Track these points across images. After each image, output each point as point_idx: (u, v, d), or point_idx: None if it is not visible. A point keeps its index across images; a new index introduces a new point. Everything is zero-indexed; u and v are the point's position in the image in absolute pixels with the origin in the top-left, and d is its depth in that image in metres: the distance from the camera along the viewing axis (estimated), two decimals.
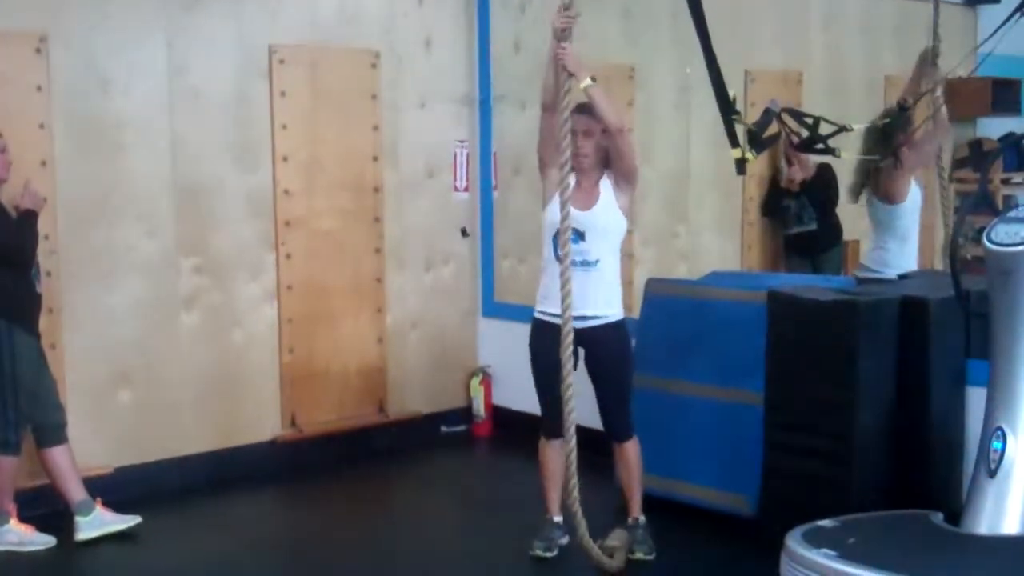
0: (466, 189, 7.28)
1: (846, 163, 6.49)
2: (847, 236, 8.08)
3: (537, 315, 4.91)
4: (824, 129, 5.73)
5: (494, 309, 7.28)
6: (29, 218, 5.27)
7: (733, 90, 5.36)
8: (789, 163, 7.94)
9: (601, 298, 4.79)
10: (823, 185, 7.84)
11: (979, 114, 9.27)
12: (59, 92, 5.69)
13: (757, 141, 5.48)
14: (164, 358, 6.09)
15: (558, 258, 4.64)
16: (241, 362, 6.37)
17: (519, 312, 6.99)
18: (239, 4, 6.25)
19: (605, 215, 4.79)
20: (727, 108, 5.28)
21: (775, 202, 8.13)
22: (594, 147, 4.76)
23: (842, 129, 5.77)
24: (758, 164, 7.63)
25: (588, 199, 4.79)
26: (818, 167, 7.79)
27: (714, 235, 8.26)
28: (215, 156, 6.22)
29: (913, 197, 6.37)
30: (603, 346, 4.82)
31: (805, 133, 5.79)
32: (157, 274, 6.05)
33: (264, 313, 6.44)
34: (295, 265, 6.52)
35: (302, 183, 6.52)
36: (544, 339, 4.78)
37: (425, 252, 7.14)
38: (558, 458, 4.84)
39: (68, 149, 5.73)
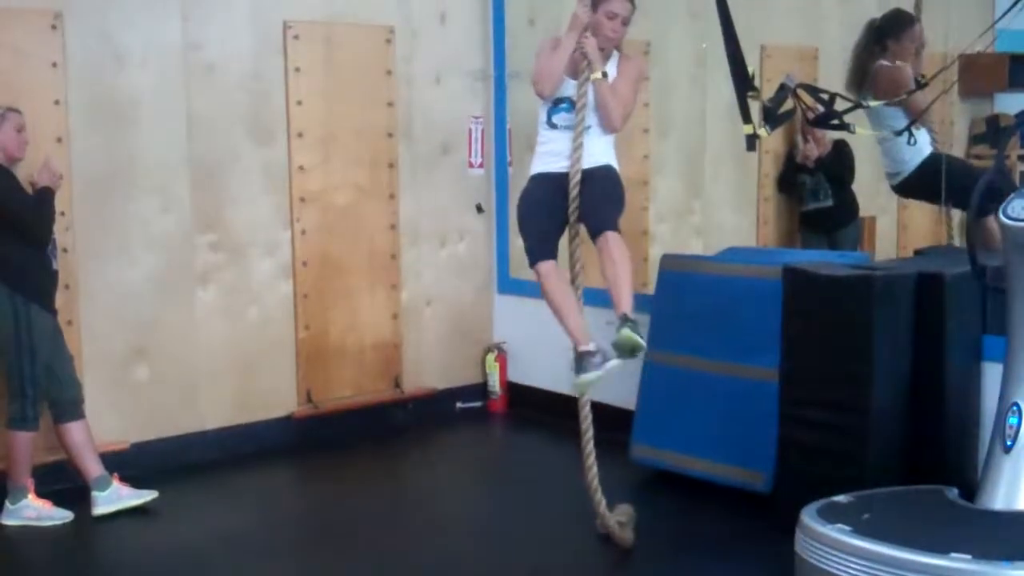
0: (481, 165, 7.27)
1: (862, 139, 6.45)
2: (863, 212, 8.04)
3: (534, 172, 4.94)
4: (840, 105, 5.70)
5: (509, 285, 7.28)
6: (46, 195, 5.29)
7: (752, 66, 5.33)
8: (805, 139, 7.91)
9: (597, 150, 4.81)
10: (839, 161, 7.81)
11: (996, 89, 9.20)
12: (74, 68, 5.69)
13: (772, 117, 5.46)
14: (180, 334, 6.12)
15: (552, 125, 4.81)
16: (257, 338, 6.38)
17: (534, 288, 6.96)
18: None
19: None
20: (743, 84, 5.25)
21: (791, 178, 8.10)
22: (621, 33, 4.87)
23: (858, 105, 5.73)
24: (774, 140, 7.61)
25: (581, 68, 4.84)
26: (834, 143, 7.76)
27: (729, 211, 8.23)
28: (230, 132, 6.22)
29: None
30: (599, 176, 4.81)
31: (821, 109, 5.76)
32: (173, 250, 6.07)
33: (280, 289, 6.46)
34: (310, 241, 6.53)
35: (317, 159, 6.52)
36: (544, 185, 4.86)
37: (440, 228, 7.14)
38: (563, 282, 4.79)
39: (83, 125, 5.74)
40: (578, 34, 4.71)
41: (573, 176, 4.71)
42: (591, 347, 4.60)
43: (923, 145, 6.17)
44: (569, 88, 4.79)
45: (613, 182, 4.86)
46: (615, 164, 4.91)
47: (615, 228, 4.68)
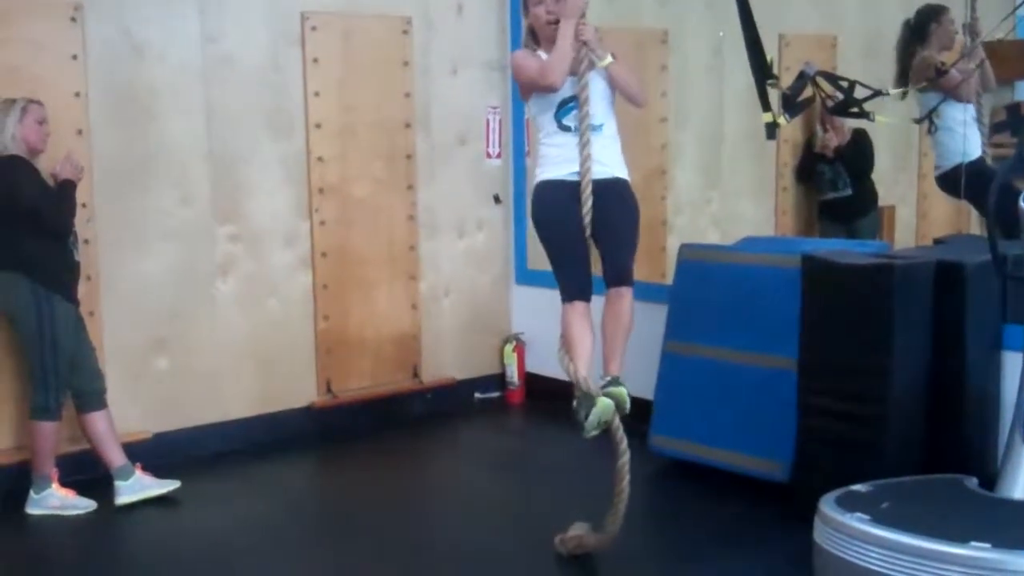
0: (499, 155, 7.27)
1: (881, 128, 6.44)
2: (882, 202, 8.02)
3: (546, 179, 4.61)
4: (859, 93, 5.69)
5: (527, 276, 7.28)
6: (67, 187, 5.32)
7: (770, 55, 5.32)
8: (824, 128, 7.89)
9: (608, 157, 4.58)
10: (858, 150, 7.79)
11: (1017, 77, 9.15)
12: (94, 61, 5.72)
13: (791, 105, 5.45)
14: (201, 325, 6.15)
15: (563, 127, 4.54)
16: (276, 329, 6.41)
17: (552, 279, 7.02)
18: None
19: (597, 75, 4.59)
20: (761, 72, 5.24)
21: (810, 167, 8.08)
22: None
23: (877, 93, 5.72)
24: (792, 129, 7.60)
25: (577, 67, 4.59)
26: (853, 132, 7.73)
27: (748, 201, 8.22)
28: (249, 123, 6.24)
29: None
30: (615, 194, 4.58)
31: (840, 97, 5.75)
32: (193, 242, 6.10)
33: (299, 280, 6.48)
34: (329, 232, 6.55)
35: (335, 150, 6.54)
36: (560, 196, 4.55)
37: (458, 219, 7.15)
38: (586, 324, 4.57)
39: (103, 117, 5.77)
40: (575, 22, 4.45)
41: (585, 188, 4.46)
42: (593, 390, 4.46)
43: (968, 145, 6.17)
44: (571, 86, 4.52)
45: (632, 208, 4.64)
46: (627, 176, 4.68)
47: (632, 283, 4.57)
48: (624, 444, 4.48)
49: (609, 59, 4.52)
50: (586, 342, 4.55)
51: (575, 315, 4.56)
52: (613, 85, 4.59)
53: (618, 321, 4.55)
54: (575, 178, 4.49)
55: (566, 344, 4.58)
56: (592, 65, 4.49)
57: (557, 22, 4.49)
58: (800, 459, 5.04)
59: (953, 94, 6.11)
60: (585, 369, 4.49)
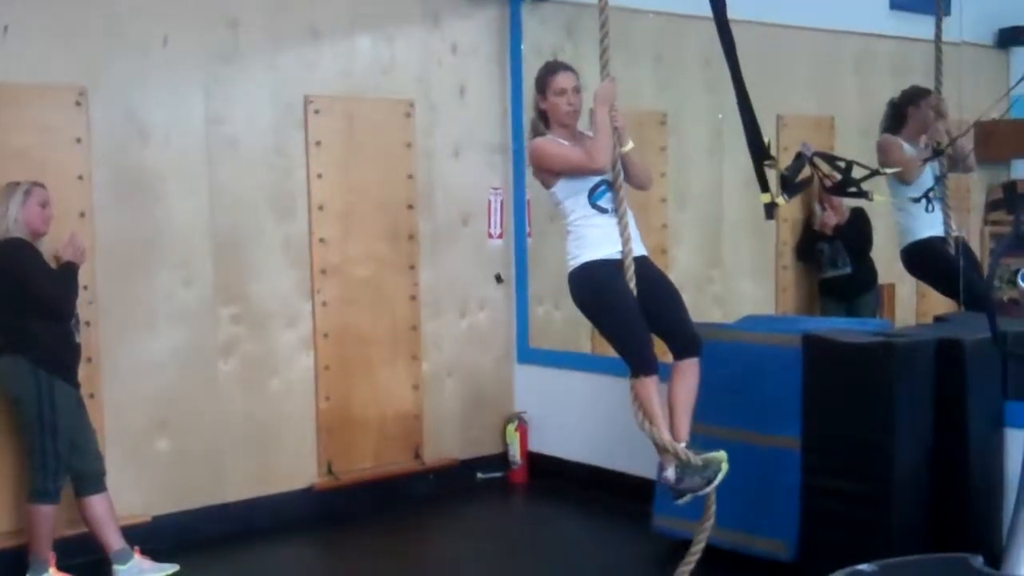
0: (500, 236, 7.31)
1: (880, 207, 6.49)
2: (882, 279, 8.05)
3: (593, 259, 4.73)
4: (857, 173, 5.73)
5: (529, 355, 7.29)
6: (69, 269, 5.35)
7: (768, 136, 5.37)
8: (823, 207, 7.95)
9: (638, 237, 4.78)
10: (857, 229, 7.84)
11: (1013, 156, 9.23)
12: (98, 143, 5.78)
13: (789, 185, 5.48)
14: (202, 406, 6.14)
15: (600, 209, 4.71)
16: (278, 410, 6.40)
17: (554, 358, 7.03)
18: (275, 55, 6.34)
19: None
20: (759, 152, 5.28)
21: (809, 246, 8.12)
22: (579, 102, 4.85)
23: (875, 173, 5.77)
24: (791, 208, 7.65)
25: None
26: (851, 211, 7.79)
27: (748, 279, 8.26)
28: (252, 205, 6.29)
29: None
30: (655, 270, 4.84)
31: (838, 177, 5.79)
32: (195, 323, 6.11)
33: (301, 361, 6.48)
34: (331, 313, 6.56)
35: (338, 231, 6.58)
36: (613, 272, 4.66)
37: (460, 299, 7.17)
38: (658, 393, 4.66)
39: (107, 199, 5.82)
40: (608, 108, 4.67)
41: (628, 267, 4.62)
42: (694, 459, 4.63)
43: (917, 225, 6.35)
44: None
45: (670, 281, 4.92)
46: None
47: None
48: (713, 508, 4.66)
49: (631, 145, 4.73)
50: (658, 407, 4.66)
51: (652, 389, 4.64)
52: (627, 169, 4.75)
53: (692, 391, 4.75)
54: (619, 256, 4.65)
55: (649, 418, 4.65)
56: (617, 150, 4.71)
57: (577, 113, 4.76)
58: (805, 538, 5.01)
59: (898, 176, 6.25)
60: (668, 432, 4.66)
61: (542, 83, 4.86)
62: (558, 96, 4.79)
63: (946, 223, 6.38)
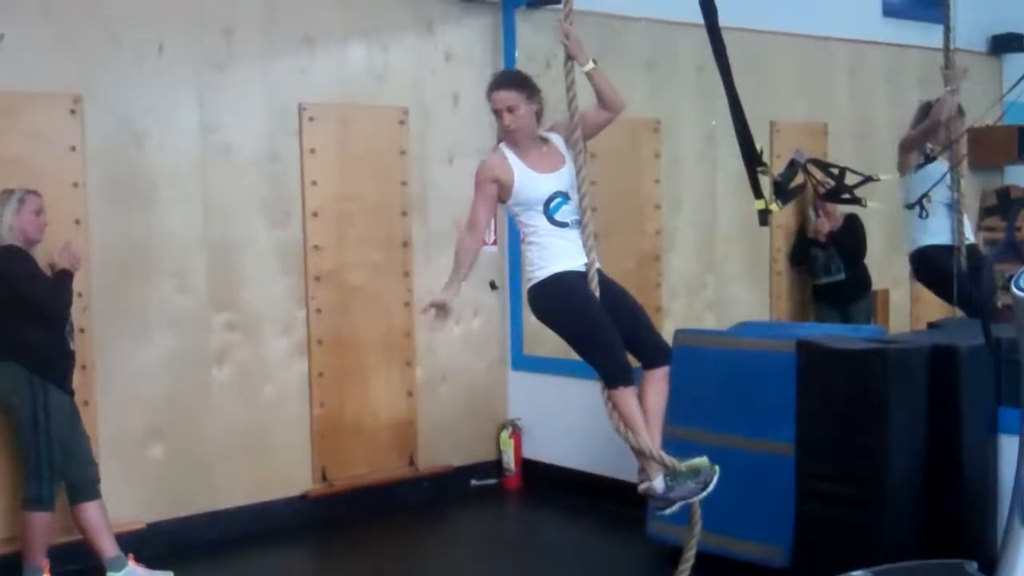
0: (494, 243, 7.32)
1: (873, 213, 6.50)
2: (876, 286, 8.07)
3: (560, 270, 4.58)
4: (850, 179, 5.74)
5: (523, 362, 7.29)
6: (64, 277, 5.34)
7: (760, 143, 5.38)
8: (816, 214, 7.96)
9: (597, 249, 4.68)
10: (851, 235, 7.86)
11: (1006, 162, 9.27)
12: (93, 151, 5.78)
13: (783, 192, 5.49)
14: (196, 413, 6.13)
15: (557, 223, 4.56)
16: (272, 417, 6.40)
17: (548, 365, 7.02)
18: (269, 63, 6.35)
19: (571, 171, 4.64)
20: (752, 159, 5.29)
21: (803, 252, 8.14)
22: (524, 117, 4.60)
23: (868, 179, 5.77)
24: (785, 215, 7.67)
25: (553, 161, 4.65)
26: (845, 217, 7.81)
27: (742, 286, 8.27)
28: (246, 212, 6.29)
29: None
30: (614, 283, 4.70)
31: (831, 183, 5.80)
32: (189, 330, 6.11)
33: (295, 368, 6.48)
34: (325, 319, 6.57)
35: (332, 238, 6.58)
36: (581, 283, 4.55)
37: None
38: (636, 401, 4.57)
39: (101, 207, 5.82)
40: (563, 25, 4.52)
41: (592, 279, 4.54)
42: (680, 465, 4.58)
43: (916, 233, 6.31)
44: (553, 181, 4.58)
45: (629, 292, 4.78)
46: None
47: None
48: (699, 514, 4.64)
49: (591, 64, 4.54)
50: (639, 414, 4.56)
51: (632, 399, 4.54)
52: (595, 89, 4.58)
53: (664, 399, 4.64)
54: (584, 268, 4.54)
55: (632, 429, 4.55)
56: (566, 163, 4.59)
57: (522, 129, 4.58)
58: (799, 544, 5.02)
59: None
60: (655, 440, 4.58)
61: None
62: (495, 114, 4.63)
63: (956, 230, 6.29)
